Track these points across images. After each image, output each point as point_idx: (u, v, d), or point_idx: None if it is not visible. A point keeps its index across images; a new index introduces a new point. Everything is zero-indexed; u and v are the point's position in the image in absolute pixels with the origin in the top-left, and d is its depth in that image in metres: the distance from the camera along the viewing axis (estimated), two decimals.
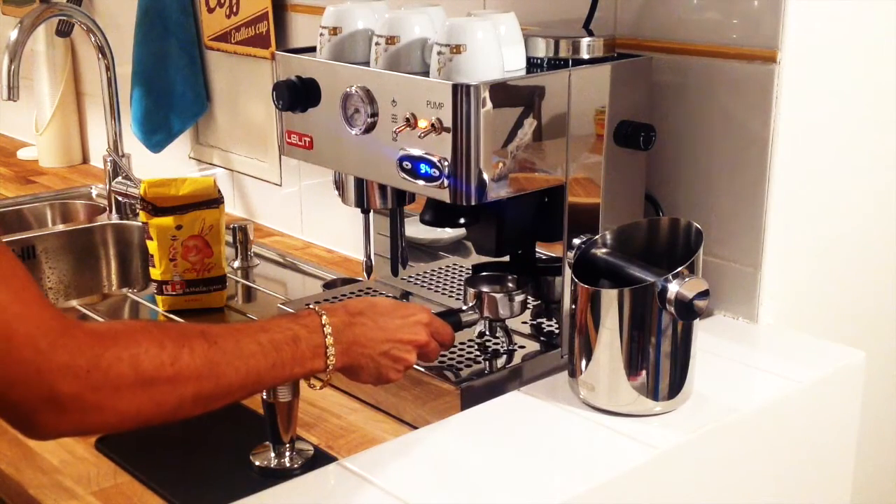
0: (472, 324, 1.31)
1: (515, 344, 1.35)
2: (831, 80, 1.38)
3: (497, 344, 1.34)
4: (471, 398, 1.23)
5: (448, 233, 1.54)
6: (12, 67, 1.88)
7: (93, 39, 2.11)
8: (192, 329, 1.00)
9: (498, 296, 1.30)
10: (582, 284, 1.17)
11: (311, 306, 1.13)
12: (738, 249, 1.38)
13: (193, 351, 0.97)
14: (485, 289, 1.31)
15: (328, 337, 1.09)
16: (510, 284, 1.32)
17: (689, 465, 1.16)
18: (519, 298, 1.31)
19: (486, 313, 1.31)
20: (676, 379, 1.18)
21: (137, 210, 1.88)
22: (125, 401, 0.92)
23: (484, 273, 1.36)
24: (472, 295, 1.31)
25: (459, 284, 1.51)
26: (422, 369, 1.27)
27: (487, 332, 1.33)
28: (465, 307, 1.30)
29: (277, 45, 1.95)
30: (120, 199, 2.13)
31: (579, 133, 1.25)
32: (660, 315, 1.14)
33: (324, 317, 1.10)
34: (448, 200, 1.18)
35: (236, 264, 1.88)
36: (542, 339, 1.36)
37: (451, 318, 1.27)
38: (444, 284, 1.52)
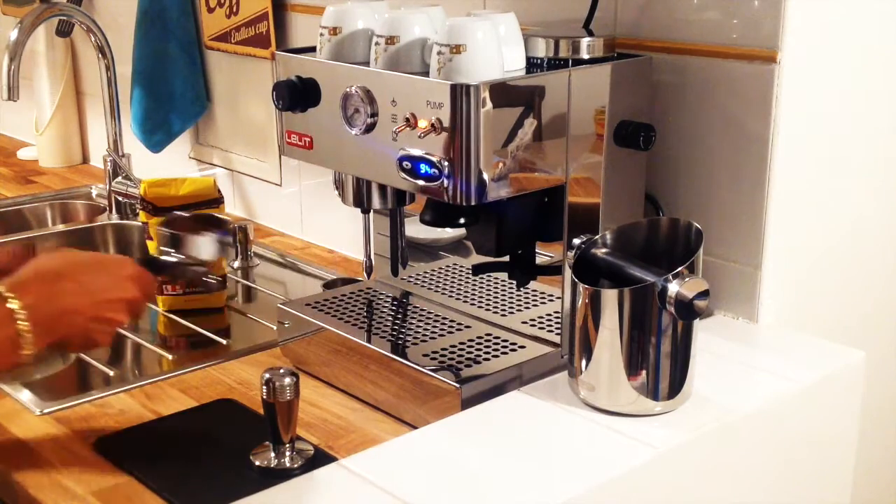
0: (172, 267, 1.19)
1: (515, 344, 1.35)
2: (831, 80, 1.38)
3: (496, 344, 1.34)
4: (471, 398, 1.24)
5: (448, 233, 1.54)
6: (12, 67, 1.88)
7: (93, 39, 2.11)
8: None
9: (194, 236, 1.19)
10: (582, 284, 1.17)
11: None
12: (738, 249, 1.38)
13: None
14: (184, 231, 1.19)
15: (21, 323, 0.99)
16: (210, 225, 1.20)
17: (689, 465, 1.16)
18: (215, 237, 1.19)
19: (184, 256, 1.19)
20: (676, 379, 1.18)
21: (137, 210, 1.88)
22: None
23: (184, 214, 1.23)
24: (167, 237, 1.19)
25: (460, 284, 1.51)
26: (422, 369, 1.27)
27: (183, 276, 1.20)
28: (165, 252, 1.19)
29: (277, 45, 1.95)
30: (120, 199, 2.13)
31: (579, 133, 1.25)
32: (660, 315, 1.14)
33: (12, 302, 0.99)
34: (448, 200, 1.18)
35: (236, 264, 1.88)
36: (542, 339, 1.36)
37: (151, 265, 1.16)
38: (445, 284, 1.52)
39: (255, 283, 1.84)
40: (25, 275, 1.04)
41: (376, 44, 1.24)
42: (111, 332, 1.09)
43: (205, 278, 1.17)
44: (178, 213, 1.18)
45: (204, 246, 1.18)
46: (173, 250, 1.17)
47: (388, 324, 1.44)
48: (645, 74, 1.33)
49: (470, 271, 1.46)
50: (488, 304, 1.45)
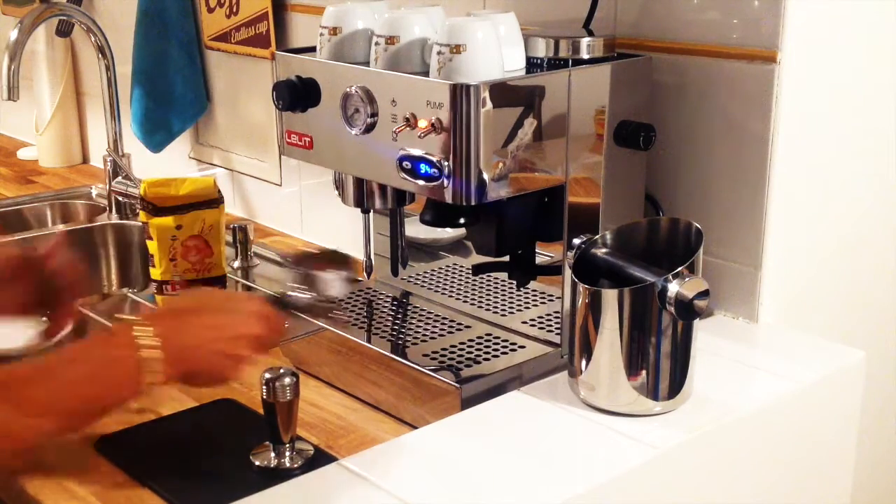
0: (302, 306, 1.24)
1: (515, 344, 1.35)
2: (831, 80, 1.38)
3: (496, 344, 1.34)
4: (471, 398, 1.24)
5: (448, 233, 1.54)
6: (12, 67, 1.88)
7: (93, 39, 2.11)
8: None
9: (325, 275, 1.23)
10: (582, 284, 1.17)
11: (124, 317, 1.07)
12: (738, 249, 1.38)
13: None
14: (313, 269, 1.24)
15: (150, 350, 1.02)
16: (339, 263, 1.25)
17: (689, 465, 1.16)
18: (346, 276, 1.24)
19: (316, 294, 1.24)
20: (676, 379, 1.18)
21: (137, 210, 1.88)
22: None
23: (313, 251, 1.29)
24: (300, 276, 1.23)
25: (460, 284, 1.51)
26: (422, 369, 1.27)
27: (311, 313, 1.25)
28: (294, 289, 1.23)
29: (277, 45, 1.95)
30: (120, 199, 2.13)
31: (579, 133, 1.25)
32: (660, 315, 1.14)
33: (141, 330, 1.03)
34: (448, 200, 1.18)
35: (236, 264, 1.88)
36: (542, 339, 1.36)
37: (281, 303, 1.21)
38: (445, 284, 1.52)
39: (255, 283, 1.84)
40: (159, 309, 1.09)
41: (376, 44, 1.24)
42: (237, 367, 1.10)
43: (331, 314, 1.23)
44: (306, 250, 1.23)
45: (332, 284, 1.24)
46: (303, 288, 1.23)
47: (388, 324, 1.44)
48: (645, 74, 1.33)
49: (470, 271, 1.46)
50: (488, 304, 1.45)
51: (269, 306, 1.16)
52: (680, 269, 1.13)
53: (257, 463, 1.19)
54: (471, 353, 1.33)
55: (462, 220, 1.34)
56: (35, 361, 1.06)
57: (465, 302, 1.47)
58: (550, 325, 1.38)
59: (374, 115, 1.24)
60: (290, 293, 1.22)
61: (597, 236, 1.23)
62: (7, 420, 0.95)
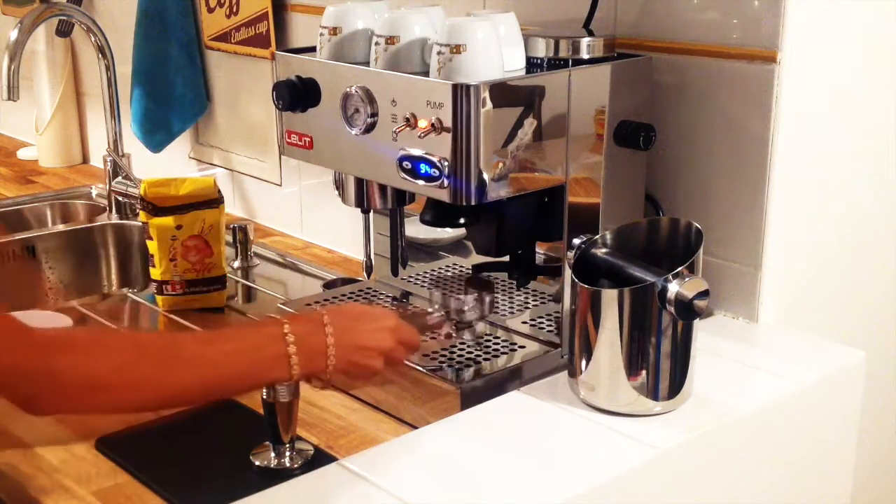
0: (439, 326, 1.31)
1: (515, 344, 1.35)
2: (831, 80, 1.38)
3: (496, 344, 1.34)
4: (471, 398, 1.24)
5: (448, 233, 1.54)
6: (12, 67, 1.88)
7: (93, 39, 2.11)
8: (149, 338, 1.03)
9: (464, 297, 1.28)
10: (582, 284, 1.17)
11: (274, 315, 1.13)
12: (738, 249, 1.38)
13: (147, 360, 1.02)
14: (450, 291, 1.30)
15: (290, 346, 1.08)
16: (477, 286, 1.31)
17: (689, 465, 1.16)
18: (486, 300, 1.29)
19: (452, 315, 1.30)
20: (676, 379, 1.18)
21: (137, 210, 1.88)
22: (77, 403, 1.01)
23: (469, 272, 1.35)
24: (438, 297, 1.29)
25: (460, 285, 1.51)
26: (422, 369, 1.27)
27: (454, 334, 1.33)
28: (431, 309, 1.29)
29: (277, 45, 1.95)
30: (120, 199, 2.13)
31: (579, 133, 1.25)
32: (660, 315, 1.14)
33: (286, 326, 1.09)
34: (448, 200, 1.18)
35: (236, 264, 1.88)
36: (541, 339, 1.36)
37: (418, 321, 1.26)
38: (445, 284, 1.52)
39: (255, 283, 1.84)
40: (300, 314, 1.16)
41: (376, 44, 1.24)
42: (367, 377, 1.17)
43: (469, 337, 1.35)
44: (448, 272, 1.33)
45: (470, 306, 1.30)
46: (442, 308, 1.30)
47: None
48: (645, 74, 1.33)
49: (470, 271, 1.46)
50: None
51: (403, 323, 1.20)
52: (680, 269, 1.13)
53: (257, 463, 1.19)
54: (471, 353, 1.33)
55: (462, 220, 1.34)
56: (192, 333, 1.21)
57: None
58: (550, 325, 1.38)
59: (374, 115, 1.24)
60: (428, 311, 1.30)
61: (597, 236, 1.23)
62: (167, 370, 1.04)
